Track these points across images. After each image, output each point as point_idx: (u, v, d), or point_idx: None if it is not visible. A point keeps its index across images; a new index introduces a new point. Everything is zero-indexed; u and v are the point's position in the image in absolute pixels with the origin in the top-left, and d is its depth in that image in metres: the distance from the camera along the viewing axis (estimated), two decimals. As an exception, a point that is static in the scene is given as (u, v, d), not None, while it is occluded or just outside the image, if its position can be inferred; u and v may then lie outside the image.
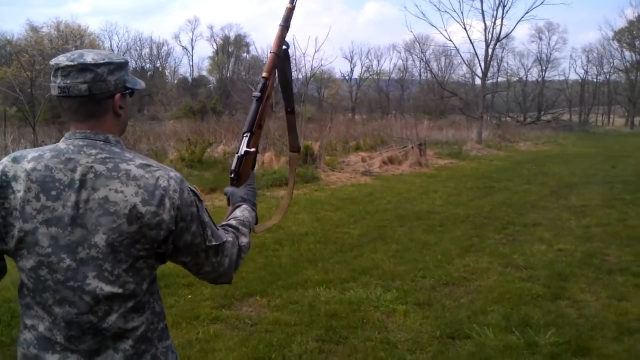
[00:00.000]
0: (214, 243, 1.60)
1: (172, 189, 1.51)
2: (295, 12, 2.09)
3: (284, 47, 2.05)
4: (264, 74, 2.02)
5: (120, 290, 1.48)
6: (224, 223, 1.79)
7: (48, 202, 1.46)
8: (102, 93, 1.52)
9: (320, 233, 7.78)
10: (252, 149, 1.96)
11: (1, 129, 13.76)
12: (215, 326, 4.50)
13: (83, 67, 1.49)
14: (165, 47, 59.98)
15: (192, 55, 64.27)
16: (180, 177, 1.56)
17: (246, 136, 1.97)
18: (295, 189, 11.53)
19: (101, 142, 1.53)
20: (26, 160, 1.50)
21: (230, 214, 1.86)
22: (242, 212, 1.85)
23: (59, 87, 1.50)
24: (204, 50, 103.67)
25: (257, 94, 2.00)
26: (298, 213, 9.16)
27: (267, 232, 7.74)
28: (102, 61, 1.52)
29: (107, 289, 1.47)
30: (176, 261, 1.61)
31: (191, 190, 1.58)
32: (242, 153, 1.94)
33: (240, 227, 1.78)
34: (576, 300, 5.23)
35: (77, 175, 1.47)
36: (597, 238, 7.64)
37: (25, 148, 10.40)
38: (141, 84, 1.68)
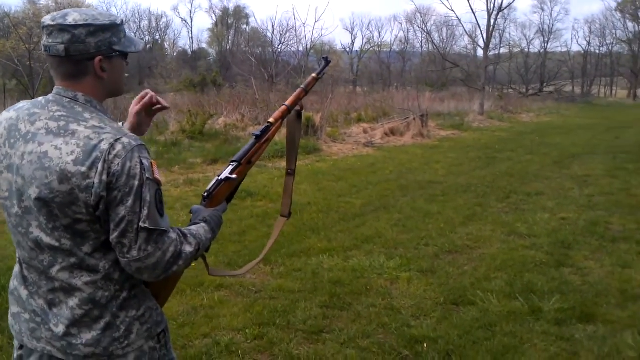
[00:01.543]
0: (147, 225, 1.47)
1: (115, 153, 1.44)
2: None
3: (297, 108, 2.07)
4: (270, 120, 1.99)
5: (57, 244, 1.51)
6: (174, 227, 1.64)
7: (9, 150, 1.54)
8: (80, 54, 1.51)
9: (322, 203, 7.77)
10: (234, 176, 1.86)
11: (1, 101, 13.69)
12: (220, 293, 4.50)
13: (62, 28, 1.49)
14: (164, 19, 59.87)
15: (192, 28, 64.06)
16: (134, 145, 1.48)
17: (232, 165, 1.89)
18: (297, 161, 11.48)
19: (67, 100, 1.54)
20: (13, 110, 1.61)
21: (186, 227, 1.73)
22: (197, 228, 1.68)
23: (43, 45, 1.55)
24: (203, 22, 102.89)
25: (257, 132, 1.95)
26: (300, 183, 9.13)
27: (270, 202, 7.74)
28: (82, 22, 1.50)
29: (46, 240, 1.51)
30: (110, 236, 1.49)
31: (141, 162, 1.48)
32: (223, 177, 1.85)
33: (189, 235, 1.61)
34: (580, 268, 5.23)
35: (32, 129, 1.51)
36: (600, 207, 7.63)
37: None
38: (137, 46, 1.63)
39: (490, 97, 32.66)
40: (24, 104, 1.60)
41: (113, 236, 1.48)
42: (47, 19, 1.52)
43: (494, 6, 28.11)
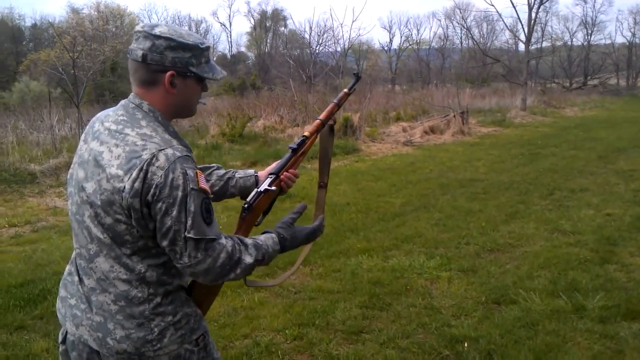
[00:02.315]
0: (192, 235, 1.50)
1: (158, 165, 1.48)
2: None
3: (330, 122, 2.12)
4: (305, 133, 2.06)
5: (102, 237, 1.58)
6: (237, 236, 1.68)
7: (83, 144, 1.67)
8: (154, 64, 1.59)
9: (361, 203, 7.76)
10: (273, 188, 1.91)
11: (47, 109, 14.07)
12: (260, 294, 4.54)
13: (146, 35, 1.59)
14: (203, 25, 60.51)
15: (230, 32, 64.65)
16: (178, 157, 1.51)
17: (271, 177, 1.95)
18: (335, 161, 11.53)
19: (132, 106, 1.63)
20: (101, 112, 1.74)
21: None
22: (265, 238, 1.71)
23: (129, 48, 1.63)
24: (242, 26, 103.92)
25: (293, 146, 2.01)
26: (339, 184, 9.14)
27: (309, 203, 7.72)
28: (166, 35, 1.58)
29: (94, 231, 1.59)
30: (160, 243, 1.55)
31: (185, 174, 1.50)
32: (262, 189, 1.90)
33: (250, 245, 1.64)
34: (625, 265, 5.10)
35: (101, 128, 1.63)
36: (648, 202, 7.41)
37: (70, 127, 10.58)
38: (215, 74, 1.67)
39: (533, 92, 32.03)
40: (112, 107, 1.72)
41: (164, 244, 1.53)
42: (139, 26, 1.63)
43: (535, 0, 27.55)
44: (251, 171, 2.07)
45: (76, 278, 1.68)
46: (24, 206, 7.92)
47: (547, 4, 32.11)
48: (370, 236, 6.16)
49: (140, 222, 1.52)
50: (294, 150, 2.00)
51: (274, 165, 2.02)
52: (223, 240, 1.58)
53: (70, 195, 1.69)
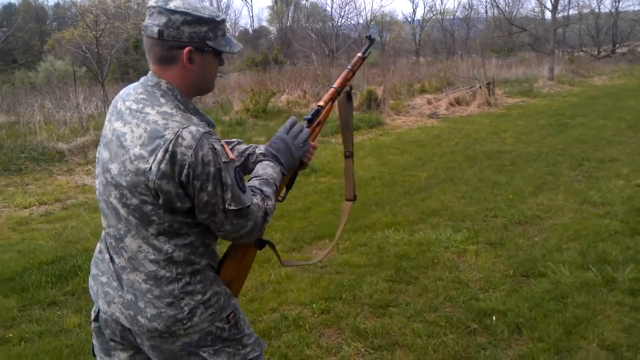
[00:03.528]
0: (233, 207, 1.55)
1: (186, 145, 1.47)
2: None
3: (346, 89, 2.07)
4: (320, 103, 2.02)
5: (129, 217, 1.58)
6: (247, 184, 1.71)
7: (107, 124, 1.65)
8: (172, 40, 1.55)
9: (387, 177, 7.73)
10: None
11: (72, 88, 14.20)
12: (287, 269, 4.56)
13: (161, 11, 1.54)
14: (224, 0, 60.05)
15: (252, 6, 64.38)
16: (202, 133, 1.50)
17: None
18: (359, 135, 11.48)
19: (150, 85, 1.60)
20: (123, 89, 1.71)
21: (253, 173, 1.79)
22: (264, 169, 1.76)
23: (143, 25, 1.58)
24: (263, 0, 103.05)
25: (308, 117, 1.98)
26: (364, 158, 9.10)
27: (334, 178, 7.76)
28: (181, 9, 1.53)
29: (122, 211, 1.59)
30: (198, 218, 1.57)
31: (213, 148, 1.50)
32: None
33: (264, 188, 1.70)
34: (657, 236, 5.01)
35: (123, 107, 1.61)
36: (681, 171, 7.25)
37: (97, 105, 10.64)
38: (232, 48, 1.64)
39: (560, 61, 31.34)
40: (132, 84, 1.69)
41: (203, 216, 1.56)
42: (152, 0, 1.57)
43: (562, -35, 26.82)
44: None
45: (107, 256, 1.69)
46: (53, 184, 8.05)
47: (575, -30, 31.16)
48: (396, 210, 6.14)
49: (171, 203, 1.52)
50: (310, 121, 1.97)
51: None
52: (256, 200, 1.62)
53: (97, 176, 1.70)
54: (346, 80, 2.07)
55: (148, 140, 1.49)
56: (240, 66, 34.95)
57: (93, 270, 1.76)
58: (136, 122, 1.54)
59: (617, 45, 44.38)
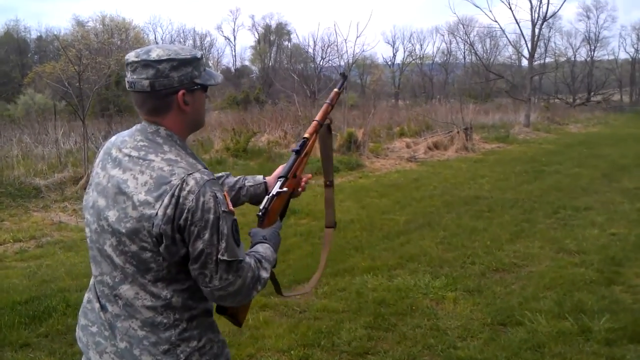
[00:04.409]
0: (226, 258, 1.53)
1: (189, 190, 1.50)
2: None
3: (327, 122, 2.18)
4: (305, 135, 2.11)
5: (125, 265, 1.57)
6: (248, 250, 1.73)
7: (100, 171, 1.66)
8: (164, 89, 1.57)
9: (366, 220, 7.76)
10: (285, 189, 1.97)
11: (52, 122, 14.13)
12: (265, 313, 4.53)
13: (146, 64, 1.56)
14: (208, 38, 60.91)
15: (235, 46, 65.16)
16: (206, 180, 1.53)
17: (280, 180, 2.00)
18: (339, 177, 11.54)
19: (150, 132, 1.61)
20: (115, 136, 1.72)
21: (250, 249, 1.79)
22: (264, 249, 1.77)
23: (128, 81, 1.61)
24: (246, 40, 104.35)
25: (296, 148, 2.06)
26: (343, 201, 9.14)
27: (313, 220, 7.76)
28: (165, 57, 1.56)
29: (117, 260, 1.58)
30: (190, 267, 1.56)
31: (215, 197, 1.53)
32: (274, 193, 1.96)
33: (263, 260, 1.70)
34: (631, 285, 5.08)
35: (120, 155, 1.62)
36: (653, 221, 7.39)
37: (75, 141, 10.58)
38: (216, 79, 1.68)
39: (536, 108, 32.07)
40: (124, 132, 1.71)
41: (194, 267, 1.55)
42: (130, 56, 1.58)
43: (538, 16, 27.67)
44: (260, 177, 2.10)
45: (97, 305, 1.67)
46: (29, 221, 7.93)
47: (550, 20, 32.12)
48: (375, 254, 6.15)
49: (170, 249, 1.52)
50: (297, 152, 2.05)
51: (280, 169, 2.07)
52: (247, 259, 1.62)
53: (87, 223, 1.68)
54: (326, 113, 2.17)
55: (154, 187, 1.51)
56: (222, 104, 35.13)
57: (82, 321, 1.73)
58: (139, 169, 1.54)
59: (592, 93, 45.62)
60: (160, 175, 1.52)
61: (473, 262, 5.85)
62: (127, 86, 1.61)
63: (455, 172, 12.50)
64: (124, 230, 1.54)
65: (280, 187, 1.97)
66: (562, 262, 5.77)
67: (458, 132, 16.88)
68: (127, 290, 1.59)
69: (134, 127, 1.68)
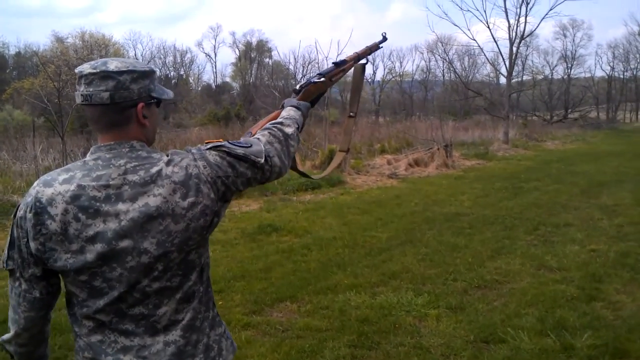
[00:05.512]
0: (260, 160, 1.63)
1: (202, 170, 1.54)
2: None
3: (363, 62, 2.37)
4: (346, 58, 2.30)
5: (167, 284, 1.53)
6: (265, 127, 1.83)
7: (88, 220, 1.46)
8: (124, 101, 1.50)
9: (348, 237, 7.75)
10: (322, 79, 2.12)
11: (30, 139, 13.98)
12: (247, 332, 4.49)
13: (105, 75, 1.48)
14: (188, 55, 60.64)
15: (215, 62, 64.62)
16: (199, 150, 1.59)
17: (319, 77, 2.15)
18: (320, 193, 11.55)
19: (127, 150, 1.52)
20: (58, 183, 1.49)
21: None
22: (287, 111, 1.92)
23: (82, 95, 1.50)
24: (227, 57, 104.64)
25: (336, 61, 2.25)
26: (325, 217, 9.13)
27: (295, 237, 7.74)
28: (125, 69, 1.50)
29: (156, 285, 1.52)
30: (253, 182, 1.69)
31: (213, 147, 1.60)
32: (312, 81, 2.12)
33: (283, 120, 1.84)
34: (612, 302, 5.12)
35: (111, 190, 1.47)
36: (631, 237, 7.48)
37: (54, 158, 10.43)
38: (169, 94, 1.65)
39: (515, 125, 32.46)
40: (67, 174, 1.51)
41: (254, 184, 1.70)
42: (86, 68, 1.50)
43: (515, 34, 28.10)
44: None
45: (110, 359, 1.55)
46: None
47: (527, 39, 32.64)
48: (358, 272, 6.14)
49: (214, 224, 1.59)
50: (337, 64, 2.23)
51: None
52: (266, 138, 1.74)
53: (96, 276, 1.50)
54: (366, 53, 2.36)
55: (185, 188, 1.50)
56: (202, 120, 35.07)
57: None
58: (155, 186, 1.48)
59: (570, 110, 46.30)
60: (180, 177, 1.51)
61: (455, 278, 5.86)
62: (79, 100, 1.51)
63: (436, 188, 12.56)
64: (173, 248, 1.50)
65: (319, 77, 2.14)
66: (543, 279, 5.81)
67: (438, 149, 17.00)
68: (166, 310, 1.55)
69: (91, 161, 1.51)
